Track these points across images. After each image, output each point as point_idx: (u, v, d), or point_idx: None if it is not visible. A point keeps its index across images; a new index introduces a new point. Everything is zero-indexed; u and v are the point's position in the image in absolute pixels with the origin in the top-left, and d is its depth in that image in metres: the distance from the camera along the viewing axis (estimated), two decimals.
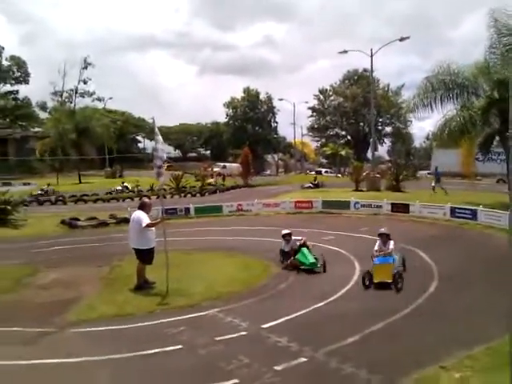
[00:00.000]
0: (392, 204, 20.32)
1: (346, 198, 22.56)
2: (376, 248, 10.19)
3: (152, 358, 6.36)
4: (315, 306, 8.32)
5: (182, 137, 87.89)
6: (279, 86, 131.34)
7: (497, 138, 22.49)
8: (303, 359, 6.09)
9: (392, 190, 30.09)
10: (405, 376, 5.49)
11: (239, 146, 50.63)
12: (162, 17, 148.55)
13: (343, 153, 63.54)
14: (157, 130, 9.75)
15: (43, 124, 59.44)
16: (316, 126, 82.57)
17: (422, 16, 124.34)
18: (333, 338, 6.72)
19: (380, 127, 78.32)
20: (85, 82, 56.54)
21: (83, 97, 57.40)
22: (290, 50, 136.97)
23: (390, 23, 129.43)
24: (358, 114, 76.79)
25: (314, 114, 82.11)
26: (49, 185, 36.94)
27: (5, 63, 60.51)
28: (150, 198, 11.89)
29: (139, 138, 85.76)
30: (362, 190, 30.54)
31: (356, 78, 79.06)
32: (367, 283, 9.35)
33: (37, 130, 63.32)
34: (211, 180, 41.42)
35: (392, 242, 10.15)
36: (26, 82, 62.32)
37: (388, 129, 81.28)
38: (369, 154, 68.15)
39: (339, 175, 58.94)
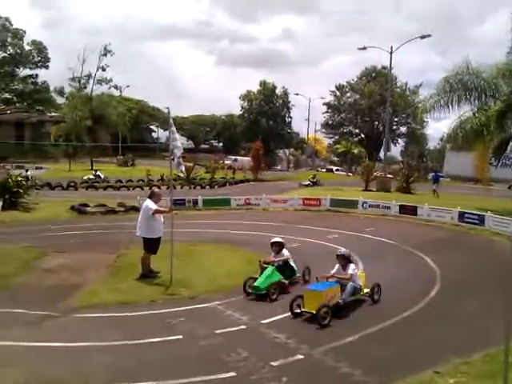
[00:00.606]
0: (400, 206, 20.25)
1: (355, 197, 22.52)
2: (333, 272, 8.56)
3: (152, 346, 6.49)
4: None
5: (196, 128, 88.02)
6: (296, 80, 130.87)
7: (511, 143, 22.21)
8: (300, 356, 6.17)
9: (402, 192, 29.96)
10: (399, 380, 5.53)
11: (252, 140, 50.59)
12: (183, 5, 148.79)
13: (355, 151, 63.21)
14: (171, 120, 9.86)
15: (60, 109, 59.91)
16: (330, 123, 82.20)
17: (445, 14, 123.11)
18: (330, 337, 6.79)
19: (395, 127, 77.74)
20: (103, 69, 56.87)
21: (101, 84, 57.74)
22: (309, 44, 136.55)
23: (411, 20, 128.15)
24: (373, 112, 76.20)
25: (329, 110, 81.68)
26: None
27: (26, 47, 60.98)
28: (159, 188, 12.01)
29: (153, 127, 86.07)
30: (371, 190, 30.44)
31: (374, 74, 78.37)
32: (296, 309, 7.68)
33: (53, 114, 63.92)
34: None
35: (352, 266, 8.54)
36: (46, 66, 62.73)
37: (403, 129, 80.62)
38: (381, 154, 67.80)
39: (350, 174, 58.76)
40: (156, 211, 9.81)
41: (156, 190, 11.02)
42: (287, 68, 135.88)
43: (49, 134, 54.96)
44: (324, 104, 79.80)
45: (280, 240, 10.03)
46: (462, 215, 17.96)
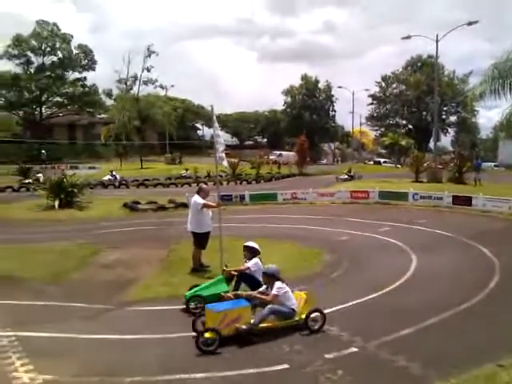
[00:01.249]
0: (453, 196, 19.52)
1: (405, 189, 21.93)
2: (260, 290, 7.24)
3: None
4: (369, 297, 8.22)
5: (240, 124, 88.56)
6: (339, 73, 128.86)
7: None
8: (354, 349, 6.07)
9: (454, 182, 28.91)
10: (461, 372, 5.33)
11: (296, 135, 50.29)
12: (223, 4, 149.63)
13: (403, 142, 61.42)
14: (214, 117, 9.95)
15: (109, 110, 61.82)
16: (375, 115, 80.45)
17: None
18: (385, 330, 6.62)
19: (444, 116, 75.08)
20: (148, 70, 58.05)
21: (146, 84, 58.98)
22: (351, 36, 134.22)
23: (458, 6, 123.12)
24: (420, 102, 73.91)
25: (374, 102, 79.94)
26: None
27: (74, 51, 63.35)
28: (207, 185, 12.15)
29: (198, 125, 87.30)
30: (422, 182, 29.57)
31: (420, 64, 76.00)
32: (200, 328, 6.53)
33: (102, 116, 66.11)
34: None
35: (278, 285, 6.94)
36: (93, 69, 64.90)
37: (452, 118, 77.76)
38: (431, 145, 65.66)
39: (398, 165, 57.33)
40: (205, 205, 9.96)
41: (204, 185, 11.19)
42: (329, 61, 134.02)
43: (99, 135, 56.88)
44: (369, 96, 78.13)
45: (251, 245, 8.64)
46: None
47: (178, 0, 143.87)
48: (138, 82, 57.42)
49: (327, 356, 5.84)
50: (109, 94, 62.72)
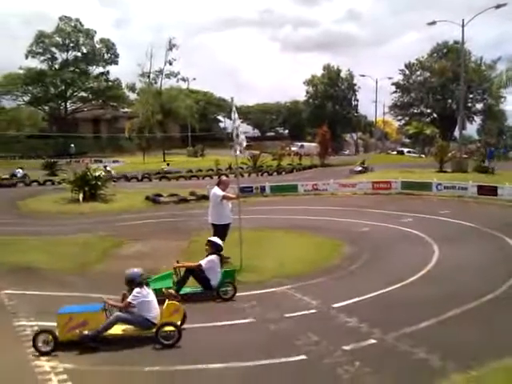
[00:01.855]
0: (478, 186, 19.11)
1: (428, 179, 21.57)
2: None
3: (223, 329, 6.62)
4: (389, 289, 8.13)
5: (261, 116, 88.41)
6: (362, 61, 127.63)
7: None
8: (373, 341, 6.02)
9: (480, 172, 28.28)
10: (481, 365, 5.24)
11: (318, 125, 49.92)
12: None
13: (428, 131, 60.42)
14: (234, 108, 9.95)
15: (132, 105, 62.52)
16: (399, 104, 79.07)
17: None
18: (405, 322, 6.54)
19: (470, 104, 73.28)
20: (170, 63, 58.43)
21: (169, 78, 59.40)
22: (374, 24, 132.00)
23: None
24: (445, 89, 72.25)
25: (398, 90, 78.52)
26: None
27: (97, 46, 64.16)
28: (227, 177, 12.18)
29: (220, 117, 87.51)
30: (446, 172, 29.01)
31: (445, 51, 74.21)
32: (43, 348, 5.82)
33: (126, 110, 66.91)
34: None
35: (134, 293, 6.28)
36: (116, 62, 65.73)
37: (479, 106, 75.81)
38: (456, 133, 64.25)
39: (423, 155, 56.41)
40: (224, 197, 10.00)
41: (223, 177, 11.23)
42: (352, 50, 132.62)
43: (123, 129, 57.71)
44: (392, 84, 76.82)
45: (213, 240, 8.50)
46: None
47: None
48: (160, 76, 57.91)
49: (345, 347, 5.81)
50: (132, 88, 63.43)
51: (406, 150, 63.58)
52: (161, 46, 57.08)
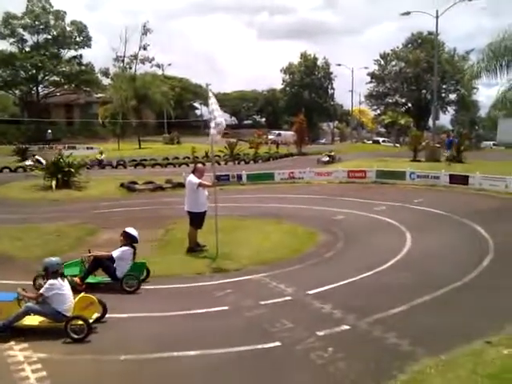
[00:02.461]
0: (450, 175, 19.51)
1: (402, 168, 21.91)
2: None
3: (199, 317, 6.65)
4: (362, 276, 8.29)
5: (238, 104, 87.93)
6: (338, 50, 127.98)
7: None
8: (346, 327, 6.13)
9: (453, 162, 28.82)
10: (450, 349, 5.40)
11: (295, 114, 49.98)
12: None
13: (402, 121, 61.21)
14: (211, 94, 9.85)
15: (106, 90, 61.27)
16: (375, 94, 79.76)
17: None
18: (377, 308, 6.69)
19: (443, 94, 74.45)
20: (144, 48, 57.47)
21: (143, 63, 58.44)
22: (351, 12, 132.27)
23: None
24: (420, 80, 73.19)
25: (373, 80, 79.16)
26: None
27: (67, 28, 62.36)
28: (204, 165, 12.12)
29: (196, 104, 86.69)
30: (420, 161, 29.49)
31: (420, 41, 75.03)
32: None
33: (100, 95, 65.50)
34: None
35: (48, 284, 6.12)
36: (88, 46, 63.92)
37: (452, 96, 77.13)
38: (430, 123, 65.35)
39: (397, 145, 57.17)
40: (200, 185, 9.95)
41: (199, 165, 11.19)
42: (329, 38, 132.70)
43: (97, 115, 56.58)
44: (368, 74, 77.40)
45: (128, 231, 8.28)
46: None
47: None
48: (135, 61, 56.87)
49: (319, 333, 5.91)
50: (106, 73, 62.13)
51: (381, 139, 64.27)
52: (135, 31, 56.13)
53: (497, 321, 6.19)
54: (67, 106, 65.82)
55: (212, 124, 9.56)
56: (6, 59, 57.90)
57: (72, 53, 63.50)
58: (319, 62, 77.72)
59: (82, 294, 6.35)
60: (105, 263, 7.95)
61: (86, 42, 63.36)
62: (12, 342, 5.74)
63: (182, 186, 18.98)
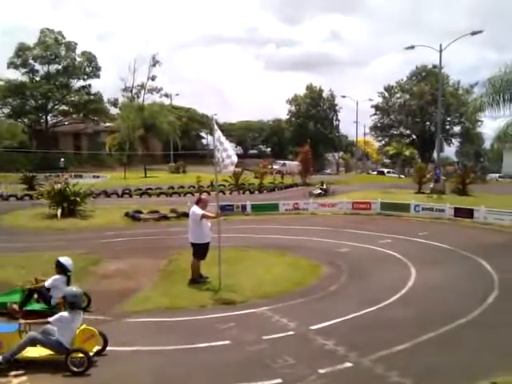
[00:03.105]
0: (455, 208, 19.50)
1: (406, 201, 21.93)
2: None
3: (201, 351, 6.59)
4: (366, 310, 8.21)
5: (244, 133, 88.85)
6: (343, 81, 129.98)
7: None
8: (349, 364, 6.06)
9: (458, 194, 28.86)
10: None
11: (300, 144, 50.41)
12: (230, 12, 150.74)
13: (407, 153, 61.57)
14: (216, 126, 9.96)
15: (114, 119, 62.21)
16: (379, 125, 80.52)
17: (500, 7, 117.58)
18: (381, 345, 6.61)
19: (448, 127, 75.07)
20: (153, 79, 58.58)
21: (151, 93, 59.49)
22: (356, 45, 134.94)
23: (465, 14, 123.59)
24: (424, 112, 73.98)
25: (378, 112, 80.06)
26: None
27: (78, 59, 63.90)
28: (209, 194, 12.17)
29: (203, 134, 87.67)
30: (424, 193, 29.53)
31: (424, 74, 76.15)
32: None
33: (108, 124, 66.48)
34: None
35: (60, 315, 6.18)
36: (97, 76, 65.33)
37: (456, 128, 77.73)
38: (435, 155, 65.64)
39: (402, 176, 57.31)
40: (203, 216, 9.97)
41: (202, 196, 11.24)
42: (334, 70, 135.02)
43: (104, 144, 57.30)
44: (372, 106, 78.38)
45: (59, 260, 8.25)
46: None
47: (184, 9, 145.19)
48: (143, 91, 57.88)
49: (321, 371, 5.83)
50: (114, 103, 63.21)
51: (386, 170, 64.54)
52: (144, 61, 57.35)
53: (502, 360, 6.12)
54: (75, 135, 66.85)
55: (223, 154, 9.63)
56: (16, 89, 59.15)
57: (81, 82, 64.90)
58: (324, 94, 78.84)
59: (84, 326, 6.31)
60: (41, 291, 8.07)
61: (96, 72, 64.80)
62: (12, 373, 5.71)
63: (186, 215, 18.93)
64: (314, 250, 13.38)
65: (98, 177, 45.15)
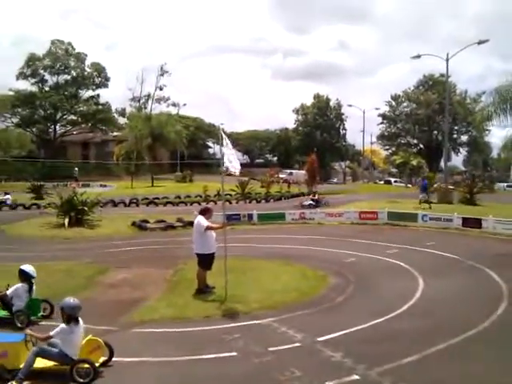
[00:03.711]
0: (463, 218, 19.35)
1: (414, 210, 21.80)
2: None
3: (207, 362, 6.54)
4: (374, 322, 8.12)
5: (251, 143, 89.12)
6: (350, 91, 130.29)
7: None
8: (356, 377, 5.99)
9: (466, 203, 28.67)
10: None
11: (307, 153, 50.47)
12: (237, 22, 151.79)
13: (414, 162, 61.28)
14: (224, 135, 9.97)
15: (122, 129, 62.68)
16: (386, 134, 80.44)
17: (507, 16, 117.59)
18: (389, 357, 6.53)
19: (455, 136, 74.85)
20: (161, 89, 59.08)
21: (159, 103, 59.97)
22: (363, 54, 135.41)
23: (471, 23, 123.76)
24: (431, 121, 73.88)
25: (385, 121, 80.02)
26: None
27: (87, 70, 64.65)
28: (215, 203, 12.16)
29: (210, 143, 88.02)
30: (432, 202, 29.34)
31: (431, 83, 76.13)
32: None
33: (115, 134, 67.02)
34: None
35: (60, 327, 6.09)
36: (106, 86, 66.13)
37: (464, 138, 77.49)
38: (442, 164, 65.37)
39: (409, 185, 57.08)
40: (208, 228, 9.91)
41: (208, 206, 11.24)
42: (341, 79, 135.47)
43: (112, 153, 57.71)
44: (379, 115, 78.35)
45: (22, 268, 8.34)
46: None
47: (192, 19, 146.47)
48: (150, 101, 58.33)
49: (328, 383, 5.77)
50: (122, 113, 63.75)
51: (393, 179, 64.34)
52: (152, 71, 57.84)
53: (509, 373, 6.01)
54: (83, 144, 67.43)
55: (231, 157, 9.61)
56: (26, 99, 59.82)
57: (90, 93, 65.62)
58: (331, 103, 79.00)
59: (89, 336, 6.29)
60: (4, 299, 8.24)
61: (104, 82, 65.49)
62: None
63: (192, 225, 19.00)
64: (321, 260, 13.32)
65: (105, 186, 45.36)
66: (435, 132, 75.46)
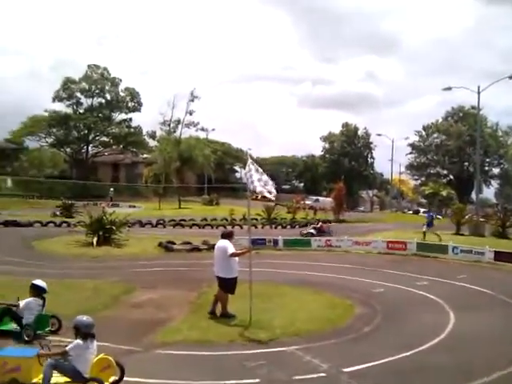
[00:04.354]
0: (495, 252, 18.72)
1: (444, 242, 21.25)
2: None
3: None
4: (400, 355, 7.82)
5: (277, 168, 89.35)
6: (378, 120, 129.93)
7: None
8: None
9: (498, 237, 27.83)
10: None
11: (334, 180, 50.22)
12: (267, 50, 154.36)
13: (444, 193, 60.20)
14: (250, 160, 10.02)
15: (152, 151, 63.89)
16: (416, 164, 79.55)
17: None
18: None
19: (487, 168, 73.40)
20: (190, 114, 60.02)
21: (188, 127, 60.90)
22: (391, 85, 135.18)
23: (503, 57, 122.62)
24: (462, 152, 72.79)
25: (414, 151, 79.27)
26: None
27: (121, 94, 66.66)
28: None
29: (237, 168, 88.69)
30: (463, 234, 28.63)
31: (461, 115, 75.35)
32: None
33: (145, 156, 68.37)
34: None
35: (75, 343, 6.09)
36: (139, 110, 67.87)
37: (496, 170, 75.94)
38: (473, 196, 63.97)
39: (439, 217, 55.93)
40: (233, 255, 9.81)
41: (231, 229, 11.21)
42: (369, 109, 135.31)
43: (141, 175, 58.67)
44: (408, 145, 77.73)
45: (34, 283, 8.57)
46: None
47: (224, 47, 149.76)
48: (180, 125, 59.42)
49: None
50: (152, 136, 65.11)
51: (422, 209, 63.18)
52: (184, 97, 59.01)
53: None
54: (114, 165, 68.95)
55: (261, 182, 9.62)
56: (61, 120, 61.91)
57: (123, 115, 67.45)
58: (359, 132, 78.94)
59: (101, 355, 6.22)
60: (13, 312, 8.37)
61: (137, 107, 67.32)
62: None
63: None
64: (347, 289, 13.05)
65: (134, 206, 46.02)
66: (466, 163, 74.27)
